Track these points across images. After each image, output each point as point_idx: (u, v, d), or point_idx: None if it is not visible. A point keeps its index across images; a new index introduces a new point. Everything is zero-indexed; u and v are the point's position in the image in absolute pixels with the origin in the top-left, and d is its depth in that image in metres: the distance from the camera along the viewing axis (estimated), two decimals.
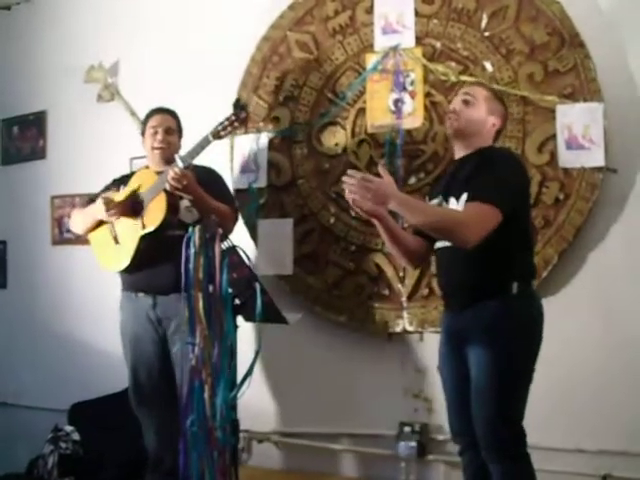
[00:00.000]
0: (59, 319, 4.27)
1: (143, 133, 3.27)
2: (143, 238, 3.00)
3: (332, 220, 3.50)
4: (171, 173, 2.84)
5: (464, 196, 2.39)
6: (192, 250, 2.28)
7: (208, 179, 3.10)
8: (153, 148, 3.18)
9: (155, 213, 2.96)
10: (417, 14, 3.40)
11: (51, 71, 4.43)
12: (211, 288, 2.29)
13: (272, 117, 3.64)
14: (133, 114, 4.11)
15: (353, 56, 3.52)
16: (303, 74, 3.60)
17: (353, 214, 3.42)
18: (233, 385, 2.32)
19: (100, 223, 3.18)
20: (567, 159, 3.10)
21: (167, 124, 3.20)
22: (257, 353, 2.31)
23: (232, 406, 2.38)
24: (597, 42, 3.11)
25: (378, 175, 2.32)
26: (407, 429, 3.31)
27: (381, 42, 3.45)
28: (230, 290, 2.31)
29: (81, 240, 4.24)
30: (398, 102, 3.39)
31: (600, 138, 3.04)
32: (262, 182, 3.61)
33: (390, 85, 3.41)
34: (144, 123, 3.27)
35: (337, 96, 3.53)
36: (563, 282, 3.13)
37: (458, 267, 2.46)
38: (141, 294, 3.10)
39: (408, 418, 3.34)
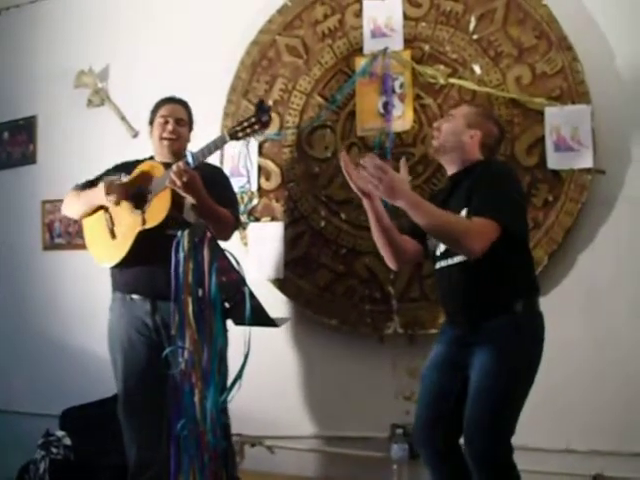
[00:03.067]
0: (50, 324, 4.26)
1: (152, 122, 3.10)
2: (141, 234, 2.83)
3: (323, 223, 3.51)
4: (174, 168, 2.67)
5: (463, 212, 2.41)
6: (181, 254, 2.28)
7: (214, 179, 2.94)
8: (162, 138, 3.03)
9: (158, 209, 2.80)
10: (405, 17, 3.42)
11: (41, 76, 4.42)
12: (200, 292, 2.28)
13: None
14: (123, 119, 4.11)
15: (342, 59, 3.53)
16: (292, 78, 3.61)
17: (343, 217, 3.44)
18: (223, 389, 2.32)
19: (97, 210, 3.02)
20: (556, 161, 3.12)
21: (178, 114, 3.06)
22: (246, 357, 2.30)
23: (222, 410, 2.38)
24: (585, 44, 3.14)
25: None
26: (399, 431, 3.31)
27: (370, 45, 3.46)
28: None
29: (72, 245, 4.27)
30: (387, 105, 3.40)
31: (588, 140, 3.06)
32: (252, 186, 3.61)
33: (379, 88, 3.42)
34: (153, 112, 3.11)
35: (326, 100, 3.54)
36: (553, 283, 3.15)
37: (461, 288, 2.47)
38: (136, 297, 2.94)
39: (400, 420, 3.34)
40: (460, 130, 2.59)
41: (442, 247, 2.53)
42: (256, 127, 2.66)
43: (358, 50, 3.50)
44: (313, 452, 3.55)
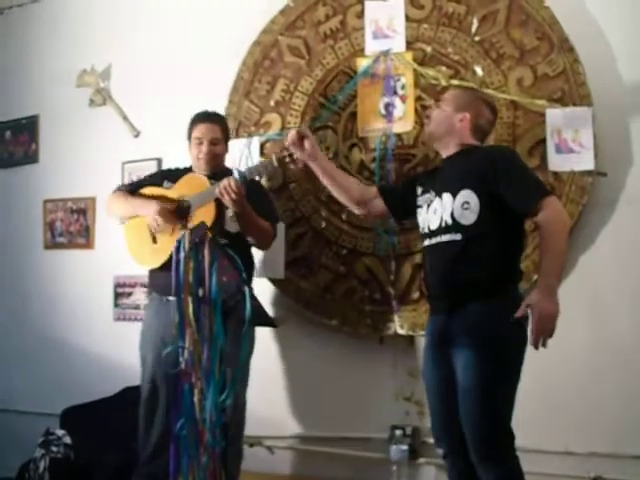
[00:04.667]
0: (51, 323, 4.26)
1: (189, 137, 3.23)
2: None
3: (323, 224, 3.50)
4: (225, 182, 2.83)
5: (462, 193, 2.46)
6: (182, 254, 2.29)
7: (253, 191, 3.06)
8: (198, 159, 3.18)
9: (203, 219, 2.87)
10: (408, 19, 3.42)
11: (43, 75, 4.44)
12: (201, 292, 2.29)
13: (263, 122, 3.65)
14: (125, 118, 4.12)
15: (344, 60, 3.53)
16: (294, 78, 3.61)
17: (344, 218, 3.44)
18: (223, 389, 2.32)
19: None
20: (557, 163, 3.11)
21: (212, 135, 3.17)
22: (247, 357, 2.32)
23: (222, 409, 2.38)
24: (586, 46, 3.14)
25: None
26: (398, 432, 3.31)
27: (372, 46, 3.46)
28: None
29: (73, 244, 4.28)
30: (389, 106, 3.40)
31: (590, 142, 3.06)
32: None
33: (381, 89, 3.42)
34: (189, 129, 3.23)
35: (328, 100, 3.54)
36: None
37: (450, 267, 2.48)
38: (172, 298, 2.95)
39: (399, 421, 3.35)
40: (449, 115, 2.64)
41: (433, 224, 2.55)
42: None
43: (360, 51, 3.50)
44: (312, 452, 3.54)
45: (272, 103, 3.65)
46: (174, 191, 3.14)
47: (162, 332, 3.05)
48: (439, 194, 2.55)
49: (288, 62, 3.64)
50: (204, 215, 2.92)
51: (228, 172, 3.07)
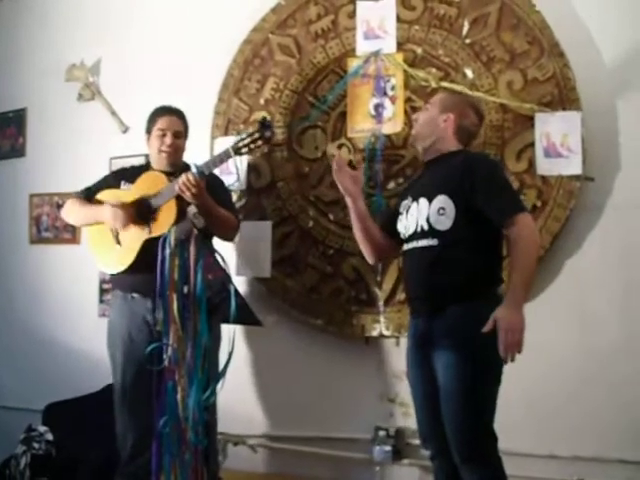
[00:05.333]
0: (36, 318, 4.24)
1: (149, 131, 3.17)
2: (147, 241, 2.92)
3: (311, 223, 3.50)
4: (184, 178, 2.78)
5: (439, 197, 2.46)
6: (167, 251, 2.28)
7: (213, 183, 3.05)
8: (160, 151, 3.12)
9: (165, 219, 2.88)
10: (399, 20, 3.41)
11: (32, 69, 4.41)
12: (186, 289, 2.28)
13: (252, 120, 3.63)
14: (114, 114, 4.10)
15: (335, 60, 3.52)
16: (284, 77, 3.60)
17: (332, 218, 3.44)
18: (207, 386, 2.31)
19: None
20: (545, 167, 3.12)
21: (176, 127, 3.13)
22: (230, 355, 2.30)
23: (210, 407, 2.37)
24: (576, 51, 3.15)
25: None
26: (382, 433, 3.31)
27: (363, 47, 3.46)
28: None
29: (59, 239, 4.26)
30: (379, 107, 3.40)
31: (578, 146, 3.06)
32: (242, 184, 3.60)
33: (371, 90, 3.42)
34: (151, 121, 3.16)
35: (318, 100, 3.53)
36: (540, 288, 3.14)
37: (428, 272, 2.48)
38: (136, 295, 3.02)
39: (384, 422, 3.35)
40: (434, 116, 2.65)
41: (411, 229, 2.56)
42: (259, 143, 2.77)
43: (351, 51, 3.49)
44: (296, 452, 3.53)
45: (262, 101, 3.64)
46: (133, 192, 3.06)
47: (128, 328, 3.04)
48: (416, 199, 2.56)
49: (278, 60, 3.63)
50: (166, 213, 2.89)
51: (187, 168, 3.01)
